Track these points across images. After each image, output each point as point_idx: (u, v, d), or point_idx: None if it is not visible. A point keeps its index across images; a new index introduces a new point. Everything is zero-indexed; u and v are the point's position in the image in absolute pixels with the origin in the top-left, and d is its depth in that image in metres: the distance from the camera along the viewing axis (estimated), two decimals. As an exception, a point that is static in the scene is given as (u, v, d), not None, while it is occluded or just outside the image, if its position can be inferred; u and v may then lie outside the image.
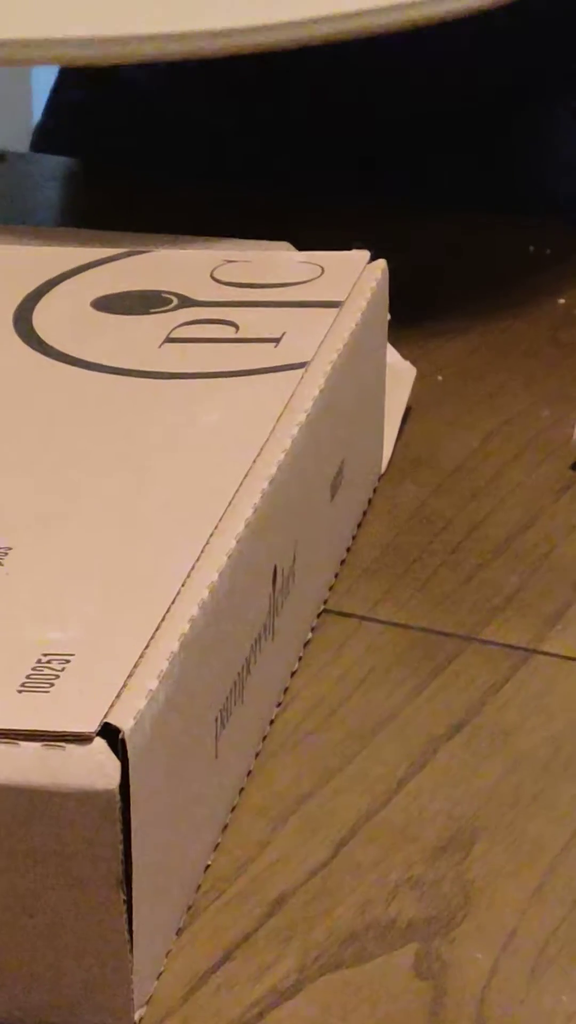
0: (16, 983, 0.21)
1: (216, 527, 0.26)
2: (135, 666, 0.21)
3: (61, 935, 0.20)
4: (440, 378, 0.51)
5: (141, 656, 0.22)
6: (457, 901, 0.26)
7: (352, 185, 0.73)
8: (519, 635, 0.37)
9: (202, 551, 0.25)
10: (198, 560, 0.25)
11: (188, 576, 0.24)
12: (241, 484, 0.28)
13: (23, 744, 0.19)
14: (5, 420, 0.32)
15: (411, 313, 0.49)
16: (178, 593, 0.24)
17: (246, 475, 0.28)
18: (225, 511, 0.27)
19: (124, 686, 0.21)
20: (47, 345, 0.35)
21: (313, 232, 0.47)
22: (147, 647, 0.22)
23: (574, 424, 0.46)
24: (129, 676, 0.21)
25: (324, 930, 0.25)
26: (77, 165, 0.75)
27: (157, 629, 0.23)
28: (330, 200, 0.66)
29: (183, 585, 0.24)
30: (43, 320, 0.36)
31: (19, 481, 0.30)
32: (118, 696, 0.20)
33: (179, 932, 0.24)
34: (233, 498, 0.27)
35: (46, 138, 0.86)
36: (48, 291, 0.38)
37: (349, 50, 0.48)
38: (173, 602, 0.23)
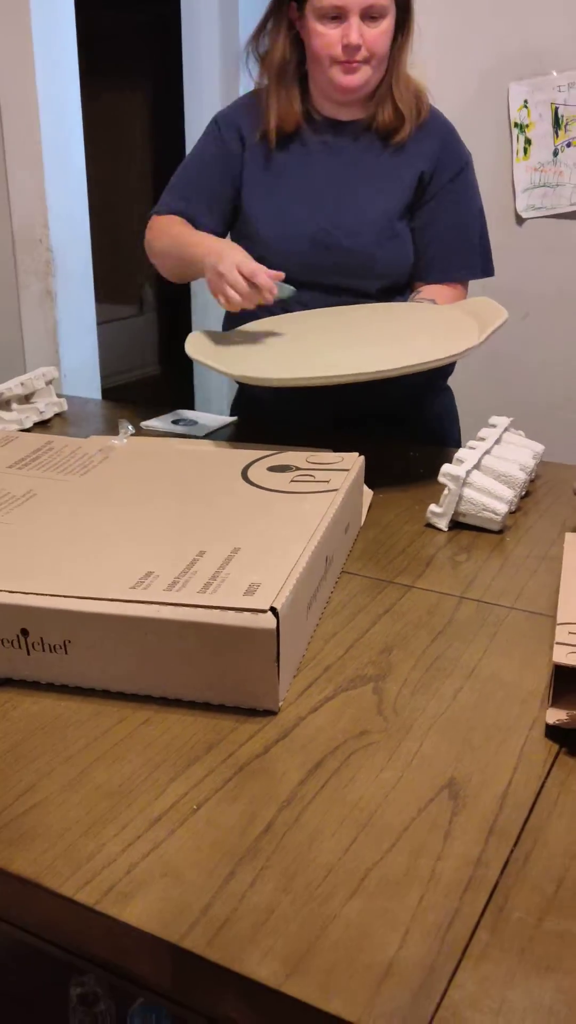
0: (231, 688, 0.67)
1: (311, 537, 0.73)
2: (281, 588, 0.67)
3: (251, 673, 0.66)
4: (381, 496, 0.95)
5: (284, 584, 0.67)
6: (383, 669, 0.72)
7: None
8: (426, 584, 0.82)
9: (305, 546, 0.71)
10: (304, 549, 0.71)
11: (300, 556, 0.70)
12: (318, 525, 0.76)
13: (245, 612, 0.65)
14: (234, 506, 0.84)
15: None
16: (296, 561, 0.70)
17: (320, 522, 0.77)
18: (313, 533, 0.74)
19: (278, 593, 0.66)
20: (252, 482, 0.90)
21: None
22: (285, 580, 0.68)
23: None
24: (279, 591, 0.67)
25: (347, 673, 0.71)
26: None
27: (288, 575, 0.69)
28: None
29: (298, 559, 0.70)
30: (252, 473, 0.92)
31: (246, 523, 0.77)
32: (276, 596, 0.66)
33: (293, 677, 0.71)
34: (315, 530, 0.75)
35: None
36: (254, 463, 0.94)
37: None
38: (295, 565, 0.69)
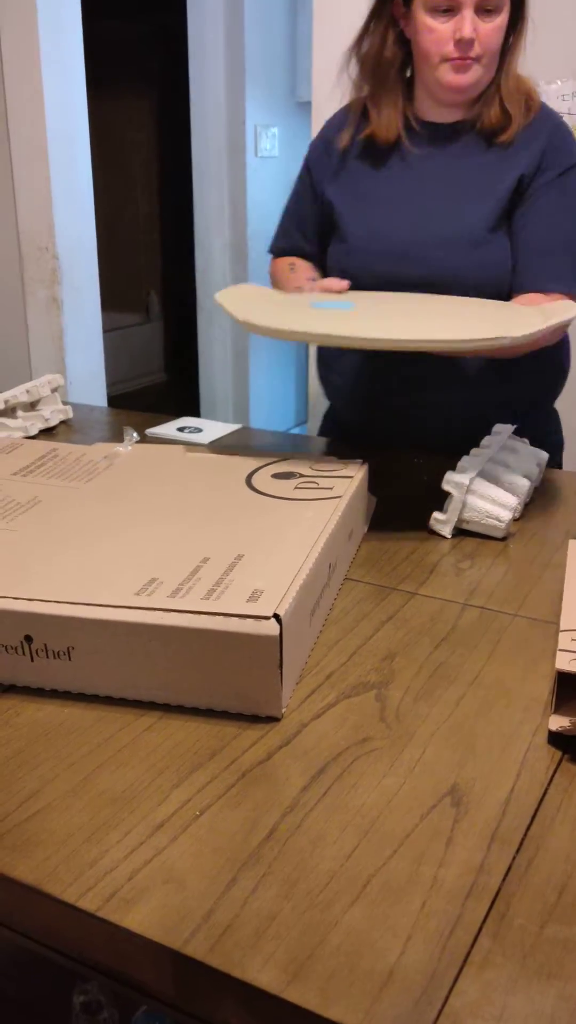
0: (235, 695, 0.67)
1: (314, 544, 0.73)
2: (284, 594, 0.67)
3: (254, 679, 0.67)
4: (384, 502, 0.96)
5: (287, 590, 0.67)
6: (385, 676, 0.72)
7: None
8: (429, 591, 0.82)
9: (309, 552, 0.72)
10: (307, 556, 0.71)
11: (304, 561, 0.71)
12: (322, 531, 0.76)
13: (248, 619, 0.65)
14: (238, 513, 0.85)
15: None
16: (299, 568, 0.70)
17: (323, 529, 0.77)
18: (317, 539, 0.74)
19: (281, 600, 0.66)
20: (256, 489, 0.90)
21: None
22: (288, 586, 0.68)
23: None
24: (283, 597, 0.67)
25: (350, 680, 0.71)
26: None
27: (291, 582, 0.69)
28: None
29: (301, 566, 0.70)
30: (256, 480, 0.92)
31: (250, 530, 0.77)
32: (280, 603, 0.66)
33: (296, 684, 0.71)
34: (319, 535, 0.75)
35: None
36: (258, 470, 0.95)
37: None
38: (298, 572, 0.70)
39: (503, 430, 1.14)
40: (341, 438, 1.42)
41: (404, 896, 0.51)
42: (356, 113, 1.30)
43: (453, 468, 1.03)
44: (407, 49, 1.24)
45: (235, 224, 3.20)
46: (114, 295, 3.51)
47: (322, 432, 1.51)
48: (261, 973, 0.46)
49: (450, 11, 1.14)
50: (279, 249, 1.42)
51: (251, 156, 3.12)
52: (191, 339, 3.49)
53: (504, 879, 0.53)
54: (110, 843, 0.55)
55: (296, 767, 0.62)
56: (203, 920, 0.49)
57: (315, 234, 1.37)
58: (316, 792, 0.60)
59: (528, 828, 0.57)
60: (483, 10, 1.14)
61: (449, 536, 1.01)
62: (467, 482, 0.99)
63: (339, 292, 1.17)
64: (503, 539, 0.99)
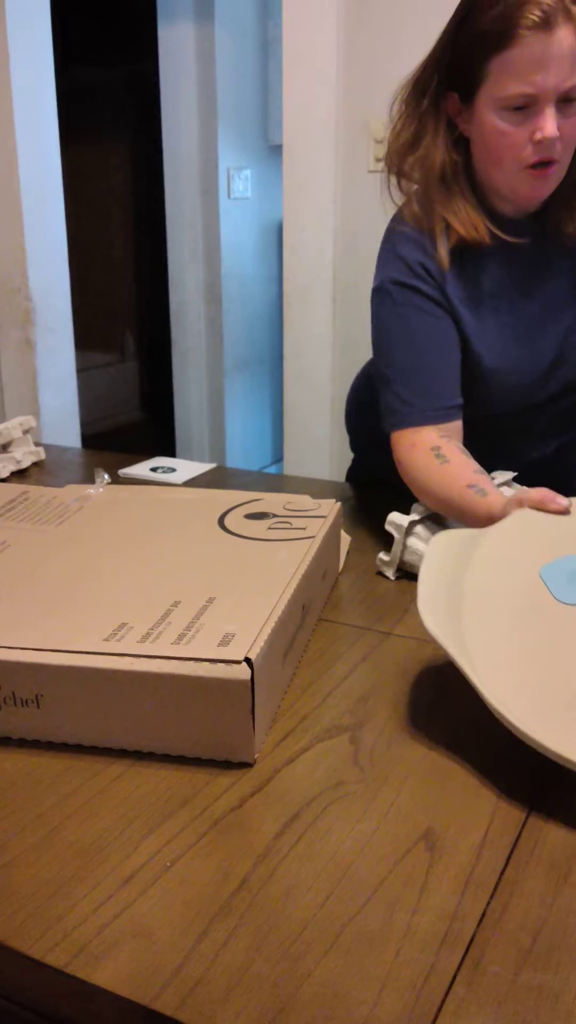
0: (206, 741, 0.67)
1: (286, 586, 0.73)
2: (256, 637, 0.67)
3: (226, 725, 0.66)
4: (355, 544, 0.96)
5: (259, 633, 0.67)
6: (359, 718, 0.71)
7: None
8: (404, 630, 0.82)
9: (281, 594, 0.71)
10: (279, 598, 0.71)
11: (276, 603, 0.70)
12: (295, 572, 0.76)
13: (219, 664, 0.65)
14: (210, 555, 0.83)
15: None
16: (272, 610, 0.70)
17: (296, 569, 0.77)
18: (289, 580, 0.74)
19: (252, 644, 0.66)
20: (228, 530, 0.90)
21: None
22: (260, 629, 0.68)
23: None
24: (255, 640, 0.66)
25: (324, 723, 0.70)
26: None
27: (264, 624, 0.68)
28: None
29: (273, 608, 0.70)
30: (228, 521, 0.92)
31: (222, 572, 0.77)
32: (251, 647, 0.66)
33: (269, 728, 0.70)
34: (292, 577, 0.75)
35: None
36: (230, 511, 0.95)
37: None
38: (270, 614, 0.69)
39: (498, 476, 1.11)
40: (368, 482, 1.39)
41: (378, 945, 0.50)
42: (430, 225, 1.07)
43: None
44: (466, 147, 1.05)
45: (209, 264, 3.23)
46: (89, 335, 3.53)
47: (349, 475, 1.47)
48: (232, 1029, 0.45)
49: (524, 107, 0.96)
50: (411, 420, 1.05)
51: (224, 198, 3.15)
52: (167, 378, 3.50)
53: (479, 925, 0.52)
54: (78, 897, 0.54)
55: (269, 814, 0.61)
56: (173, 975, 0.48)
57: (458, 380, 1.08)
58: (289, 839, 0.59)
59: (503, 872, 0.56)
60: (563, 100, 0.95)
61: (392, 578, 1.00)
62: (405, 524, 0.99)
63: (558, 512, 0.87)
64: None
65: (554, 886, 0.55)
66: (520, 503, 0.88)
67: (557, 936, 0.51)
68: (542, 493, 0.87)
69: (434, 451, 1.01)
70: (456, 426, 1.06)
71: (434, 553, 0.78)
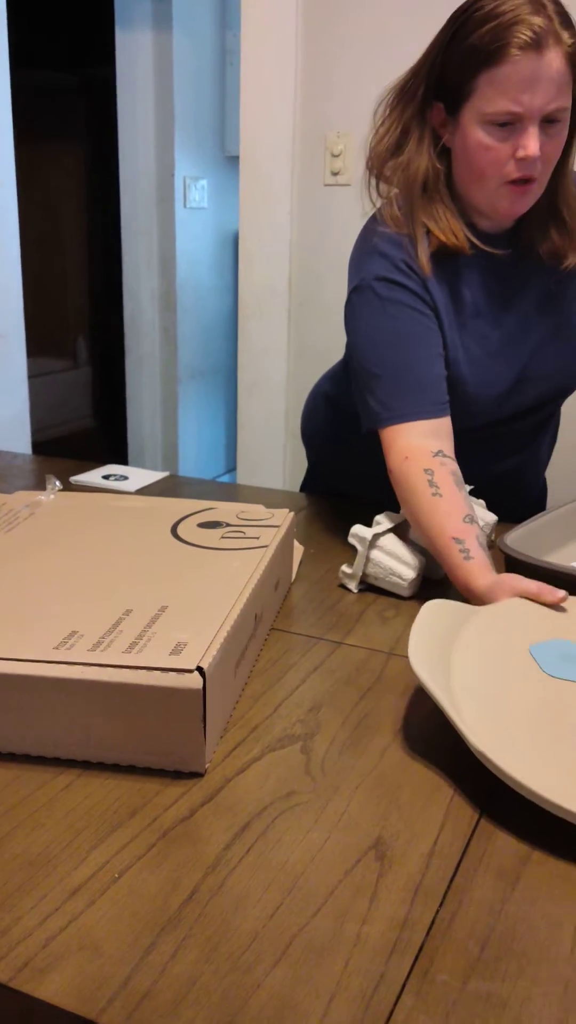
0: (157, 751, 0.66)
1: (239, 595, 0.73)
2: (208, 646, 0.66)
3: (177, 734, 0.66)
4: (308, 554, 0.97)
5: (211, 642, 0.67)
6: (311, 728, 0.71)
7: None
8: (356, 640, 0.82)
9: (234, 604, 0.71)
10: (232, 607, 0.71)
11: (229, 612, 0.70)
12: (248, 581, 0.76)
13: (171, 672, 0.64)
14: (162, 564, 0.83)
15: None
16: (224, 620, 0.69)
17: (249, 578, 0.76)
18: (242, 590, 0.74)
19: (204, 653, 0.66)
20: (181, 538, 0.90)
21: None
22: (213, 638, 0.67)
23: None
24: (207, 650, 0.66)
25: (275, 732, 0.70)
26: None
27: (216, 634, 0.68)
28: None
29: (226, 617, 0.69)
30: (181, 530, 0.92)
31: (174, 581, 0.76)
32: (203, 656, 0.65)
33: (220, 738, 0.70)
34: (245, 586, 0.74)
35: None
36: (183, 520, 0.95)
37: None
38: (222, 624, 0.69)
39: None
40: (325, 495, 1.40)
41: (327, 955, 0.50)
42: (410, 229, 1.07)
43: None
44: (449, 158, 1.06)
45: (164, 273, 3.22)
46: (42, 341, 3.49)
47: (305, 487, 1.48)
48: (180, 1042, 0.45)
49: (509, 124, 0.97)
50: (402, 416, 1.04)
51: (180, 207, 3.15)
52: (119, 386, 3.48)
53: (428, 934, 0.52)
54: (23, 909, 0.53)
55: (219, 824, 0.61)
56: (120, 987, 0.48)
57: (444, 380, 1.07)
58: (239, 850, 0.59)
59: (451, 880, 0.57)
60: (547, 121, 0.98)
61: (355, 591, 1.01)
62: (369, 536, 0.99)
63: (553, 604, 0.86)
64: (409, 598, 1.00)
65: (502, 894, 0.56)
66: (513, 590, 0.88)
67: (505, 944, 0.52)
68: (539, 587, 0.87)
69: (427, 474, 0.98)
70: (446, 424, 1.05)
71: (423, 621, 0.79)
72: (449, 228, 1.06)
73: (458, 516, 0.96)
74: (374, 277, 1.07)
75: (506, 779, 0.62)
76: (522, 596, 0.88)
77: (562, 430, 1.35)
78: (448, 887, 0.56)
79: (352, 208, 1.19)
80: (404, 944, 0.51)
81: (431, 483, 0.98)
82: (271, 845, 0.59)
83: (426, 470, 0.99)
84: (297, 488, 1.52)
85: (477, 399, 1.12)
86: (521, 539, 1.02)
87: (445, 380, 1.06)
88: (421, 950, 0.51)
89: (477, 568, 0.92)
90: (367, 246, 1.09)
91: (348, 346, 1.14)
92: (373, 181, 1.10)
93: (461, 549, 0.93)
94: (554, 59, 0.94)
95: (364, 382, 1.07)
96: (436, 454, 1.00)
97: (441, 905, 0.54)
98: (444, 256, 1.08)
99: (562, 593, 0.87)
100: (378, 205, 1.11)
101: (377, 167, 1.09)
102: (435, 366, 1.06)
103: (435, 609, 0.82)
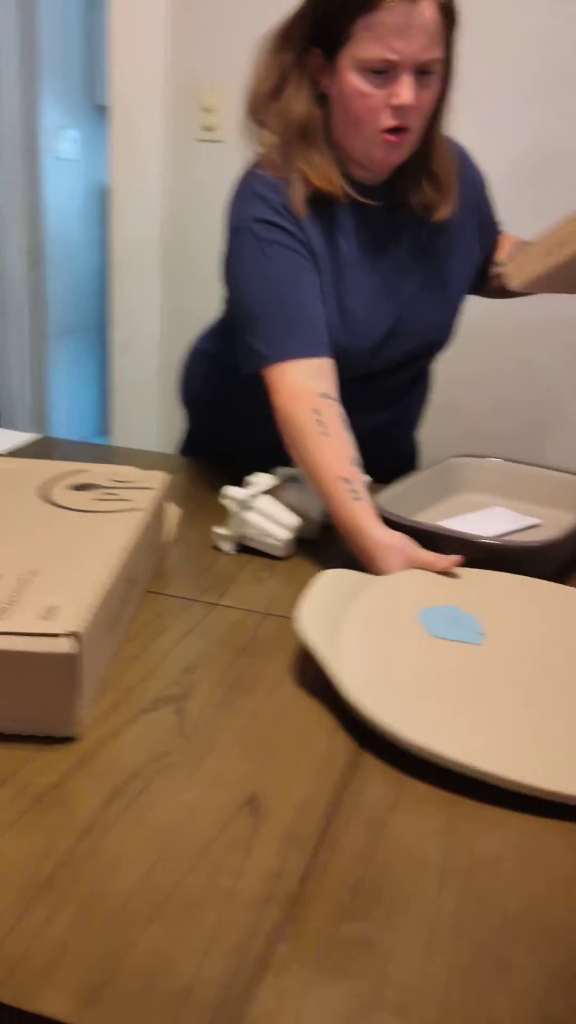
0: (27, 717, 0.65)
1: (112, 558, 0.72)
2: (80, 610, 0.66)
3: (48, 700, 0.65)
4: (184, 516, 0.97)
5: (84, 606, 0.66)
6: (185, 689, 0.71)
7: None
8: (231, 601, 0.83)
9: (106, 568, 0.71)
10: (105, 571, 0.71)
11: (102, 576, 0.70)
12: (122, 545, 0.75)
13: (42, 638, 0.63)
14: (33, 527, 0.81)
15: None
16: (97, 583, 0.69)
17: (123, 541, 0.75)
18: (116, 553, 0.73)
19: (77, 616, 0.65)
20: (52, 501, 0.87)
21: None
22: (85, 602, 0.67)
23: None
24: (79, 614, 0.65)
25: (150, 695, 0.70)
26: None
27: (89, 597, 0.67)
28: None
29: (100, 580, 0.69)
30: (53, 493, 0.89)
31: (45, 545, 0.74)
32: (75, 620, 0.64)
33: (93, 702, 0.69)
34: (118, 549, 0.74)
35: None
36: (55, 482, 0.92)
37: None
38: (96, 587, 0.68)
39: None
40: (211, 453, 1.38)
41: (201, 911, 0.51)
42: (287, 174, 1.08)
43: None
44: (325, 105, 1.06)
45: (31, 229, 3.10)
46: None
47: (185, 450, 1.45)
48: (53, 1003, 0.45)
49: (384, 72, 0.99)
50: (284, 354, 1.03)
51: (49, 158, 3.04)
52: (-14, 343, 3.35)
53: (300, 884, 0.54)
54: None
55: (92, 788, 0.61)
56: (-8, 956, 0.47)
57: (323, 321, 1.07)
58: (114, 812, 0.58)
59: (324, 831, 0.58)
60: (421, 72, 0.99)
61: (231, 552, 1.01)
62: (243, 497, 1.00)
63: (445, 568, 0.90)
64: (284, 559, 1.01)
65: (371, 842, 0.58)
66: (408, 560, 0.91)
67: (375, 890, 0.54)
68: (436, 557, 0.90)
69: (315, 414, 0.99)
70: (329, 364, 1.04)
71: (319, 587, 0.82)
72: (324, 174, 1.07)
73: (346, 457, 0.97)
74: (252, 219, 1.07)
75: (377, 727, 0.64)
76: (417, 567, 0.90)
77: (434, 393, 1.39)
78: (321, 838, 0.58)
79: (227, 166, 1.18)
80: (279, 895, 0.53)
81: (319, 422, 0.98)
82: (145, 807, 0.59)
83: (314, 410, 0.99)
84: (171, 449, 1.50)
85: (350, 351, 1.13)
86: (394, 499, 1.05)
87: (324, 321, 1.07)
88: (295, 900, 0.52)
89: (365, 509, 0.94)
90: (245, 190, 1.10)
91: (228, 290, 1.14)
92: (254, 127, 1.10)
93: (350, 489, 0.95)
94: (427, 8, 0.96)
95: (246, 324, 1.07)
96: (323, 396, 1.01)
97: (314, 855, 0.56)
98: (320, 204, 1.09)
99: (453, 558, 0.90)
100: (259, 150, 1.11)
101: (257, 112, 1.09)
102: (316, 306, 1.07)
103: (332, 577, 0.85)
